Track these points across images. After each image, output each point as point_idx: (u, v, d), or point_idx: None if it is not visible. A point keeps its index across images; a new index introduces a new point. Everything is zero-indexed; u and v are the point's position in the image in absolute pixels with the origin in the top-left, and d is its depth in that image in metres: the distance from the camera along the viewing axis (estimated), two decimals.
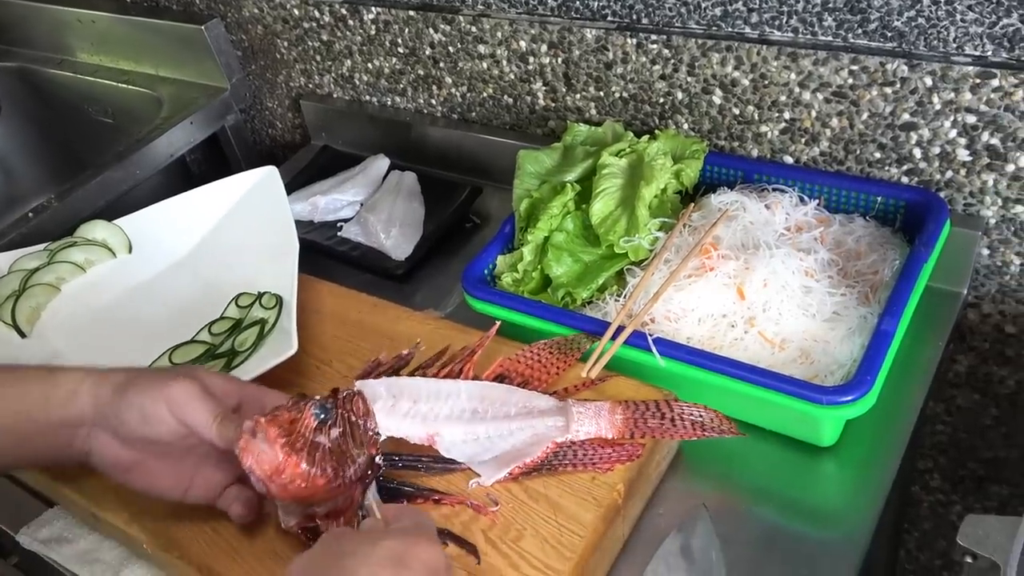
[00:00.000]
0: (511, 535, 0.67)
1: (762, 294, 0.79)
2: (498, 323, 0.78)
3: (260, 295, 0.90)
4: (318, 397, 0.67)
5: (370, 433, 0.67)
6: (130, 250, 1.02)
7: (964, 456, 1.08)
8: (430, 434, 0.70)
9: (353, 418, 0.66)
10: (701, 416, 0.71)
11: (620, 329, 0.78)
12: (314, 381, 0.84)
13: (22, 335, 0.92)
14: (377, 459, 0.67)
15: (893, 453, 0.77)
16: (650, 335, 0.76)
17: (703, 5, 0.89)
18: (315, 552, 0.55)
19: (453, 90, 1.16)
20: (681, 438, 0.72)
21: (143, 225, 1.03)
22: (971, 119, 0.81)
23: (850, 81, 0.85)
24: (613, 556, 0.71)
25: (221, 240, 1.01)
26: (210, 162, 1.40)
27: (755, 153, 0.96)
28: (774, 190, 0.89)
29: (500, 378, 0.74)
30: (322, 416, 0.65)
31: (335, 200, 1.14)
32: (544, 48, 1.03)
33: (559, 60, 1.03)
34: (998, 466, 1.06)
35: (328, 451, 0.64)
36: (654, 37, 0.94)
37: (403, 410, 0.70)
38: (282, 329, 0.86)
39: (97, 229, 1.01)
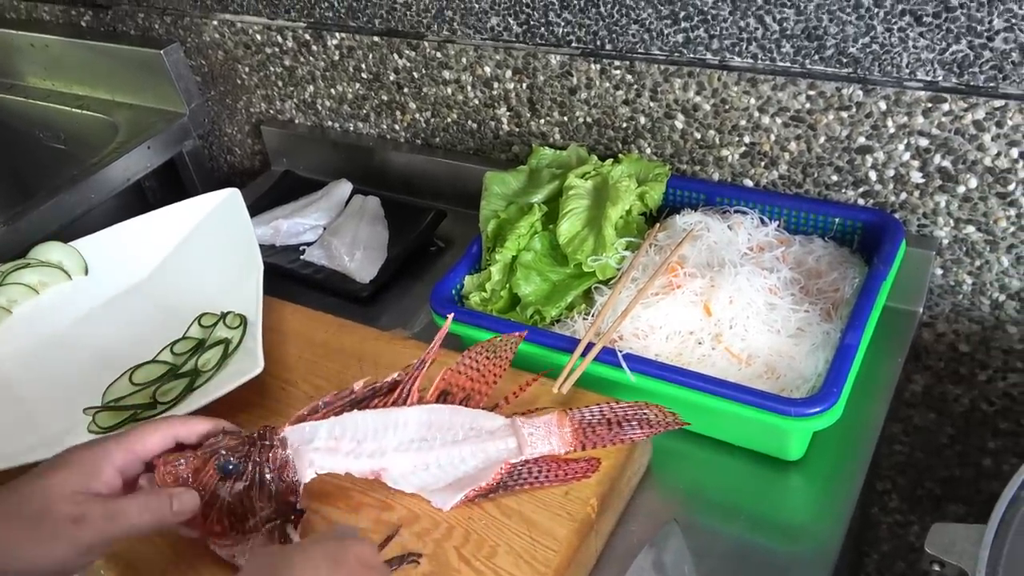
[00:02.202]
0: (484, 551, 0.67)
1: (728, 311, 0.81)
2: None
3: (224, 315, 0.88)
4: (233, 443, 0.65)
5: (286, 484, 0.66)
6: (86, 272, 1.00)
7: (922, 476, 1.11)
8: (375, 470, 0.69)
9: (267, 471, 0.65)
10: (646, 414, 0.72)
11: (590, 347, 0.79)
12: (279, 402, 0.83)
13: None
14: (299, 505, 0.65)
15: (858, 467, 0.79)
16: (619, 351, 0.77)
17: (665, 32, 0.92)
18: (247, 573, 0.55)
19: (417, 115, 1.17)
20: (632, 441, 0.72)
21: (100, 247, 1.01)
22: (924, 142, 0.84)
23: (807, 106, 0.88)
24: (587, 571, 0.71)
25: (182, 262, 1.00)
26: (167, 188, 1.38)
27: (716, 177, 0.98)
28: (736, 211, 0.92)
29: (443, 395, 0.73)
30: (226, 470, 0.64)
31: (297, 224, 1.14)
32: (509, 74, 1.04)
33: (523, 85, 1.04)
34: (954, 485, 1.09)
35: (227, 504, 0.63)
36: (617, 63, 0.96)
37: (346, 449, 0.69)
38: (246, 349, 0.84)
39: (52, 251, 0.99)
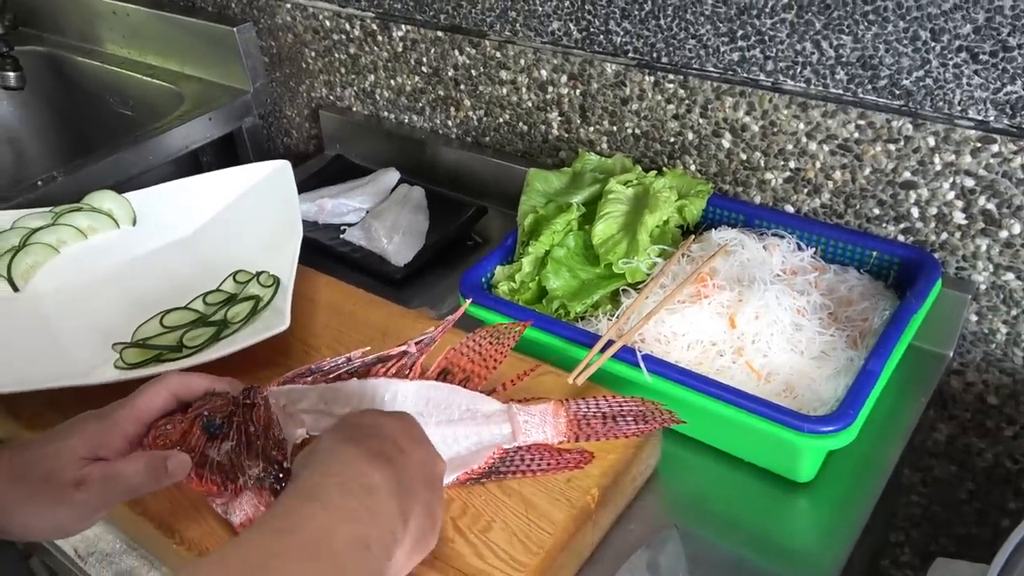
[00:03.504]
0: (480, 525, 0.67)
1: (753, 326, 0.80)
2: (470, 300, 0.78)
3: (258, 273, 0.91)
4: (219, 403, 0.66)
5: (272, 441, 0.66)
6: (134, 223, 1.03)
7: (937, 531, 1.08)
8: None
9: (252, 428, 0.66)
10: (642, 410, 0.72)
11: (610, 344, 0.79)
12: (301, 364, 0.83)
13: (15, 289, 0.93)
14: (286, 464, 0.66)
15: (867, 499, 0.77)
16: (639, 352, 0.77)
17: (722, 49, 0.92)
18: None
19: (471, 113, 1.19)
20: (626, 436, 0.71)
21: (150, 201, 1.04)
22: (969, 182, 0.84)
23: (856, 135, 0.88)
24: (580, 562, 0.70)
25: (226, 223, 1.02)
26: (222, 161, 1.42)
27: (758, 199, 0.98)
28: (773, 235, 0.91)
29: (444, 373, 0.74)
30: (211, 431, 0.65)
31: (342, 204, 1.16)
32: (564, 79, 1.06)
33: (577, 92, 1.06)
34: (970, 543, 1.06)
35: (216, 464, 0.64)
36: (671, 76, 0.97)
37: (339, 413, 0.69)
38: (276, 308, 0.86)
39: (104, 199, 1.02)
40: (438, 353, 0.74)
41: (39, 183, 1.15)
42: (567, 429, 0.71)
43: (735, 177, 0.99)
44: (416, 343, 0.72)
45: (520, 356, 0.81)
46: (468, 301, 0.78)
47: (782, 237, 0.91)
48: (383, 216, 1.12)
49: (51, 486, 0.58)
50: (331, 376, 0.69)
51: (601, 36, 1.01)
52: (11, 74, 1.40)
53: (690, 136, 0.99)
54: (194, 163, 1.39)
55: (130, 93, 1.50)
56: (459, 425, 0.70)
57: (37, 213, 1.00)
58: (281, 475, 0.64)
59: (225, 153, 1.42)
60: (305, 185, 1.21)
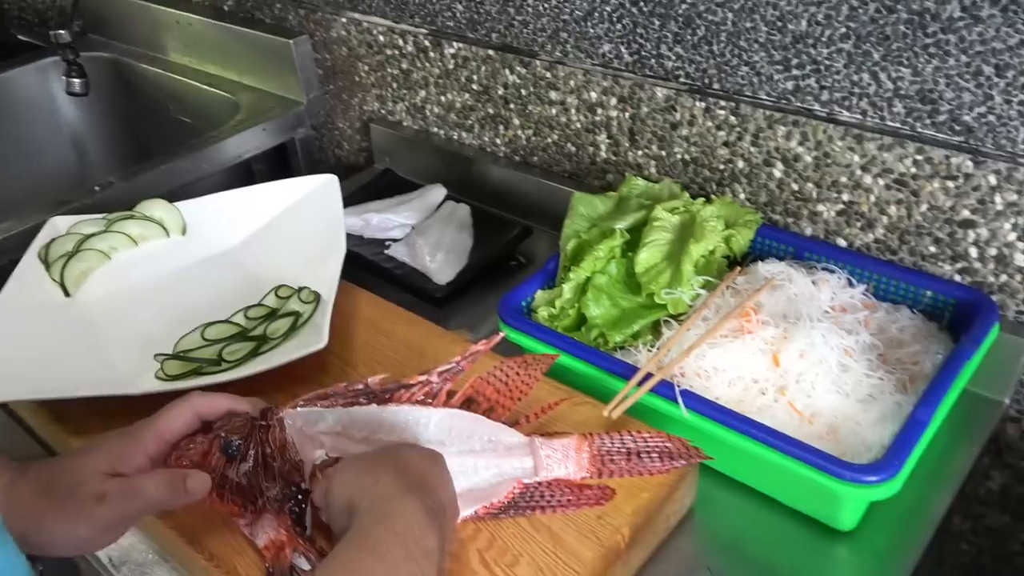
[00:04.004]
0: (507, 559, 0.66)
1: (797, 364, 0.78)
2: (502, 334, 0.77)
3: (299, 289, 0.91)
4: (237, 424, 0.66)
5: (288, 463, 0.65)
6: (184, 232, 1.04)
7: None
8: None
9: (268, 449, 0.65)
10: (668, 446, 0.70)
11: (648, 377, 0.77)
12: (337, 381, 0.83)
13: (67, 294, 0.95)
14: (304, 485, 0.65)
15: (912, 553, 0.74)
16: (678, 386, 0.75)
17: (775, 77, 0.90)
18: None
19: (519, 132, 1.18)
20: (651, 473, 0.70)
21: (201, 211, 1.05)
22: None
23: (913, 170, 0.85)
24: None
25: (272, 236, 1.03)
26: (274, 171, 1.44)
27: (809, 232, 0.96)
28: (823, 269, 0.89)
29: (468, 402, 0.72)
30: (229, 452, 0.65)
31: (387, 219, 1.16)
32: (614, 101, 1.05)
33: (626, 115, 1.04)
34: None
35: (236, 485, 0.64)
36: (723, 103, 0.95)
37: (359, 437, 0.68)
38: (315, 324, 0.86)
39: (156, 207, 1.04)
40: (465, 379, 0.73)
41: (96, 188, 1.18)
42: (590, 465, 0.70)
43: (786, 208, 0.96)
44: (440, 373, 0.71)
45: (555, 384, 0.80)
46: (500, 335, 0.76)
47: (832, 272, 0.88)
48: (428, 233, 1.12)
49: (73, 500, 0.58)
50: (349, 399, 0.68)
51: (652, 60, 0.99)
52: (76, 80, 1.44)
53: (740, 164, 0.97)
54: (246, 172, 1.40)
55: (189, 101, 1.52)
56: (480, 456, 0.69)
57: (91, 220, 1.02)
58: (300, 496, 0.63)
59: (277, 163, 1.44)
60: (353, 198, 1.22)
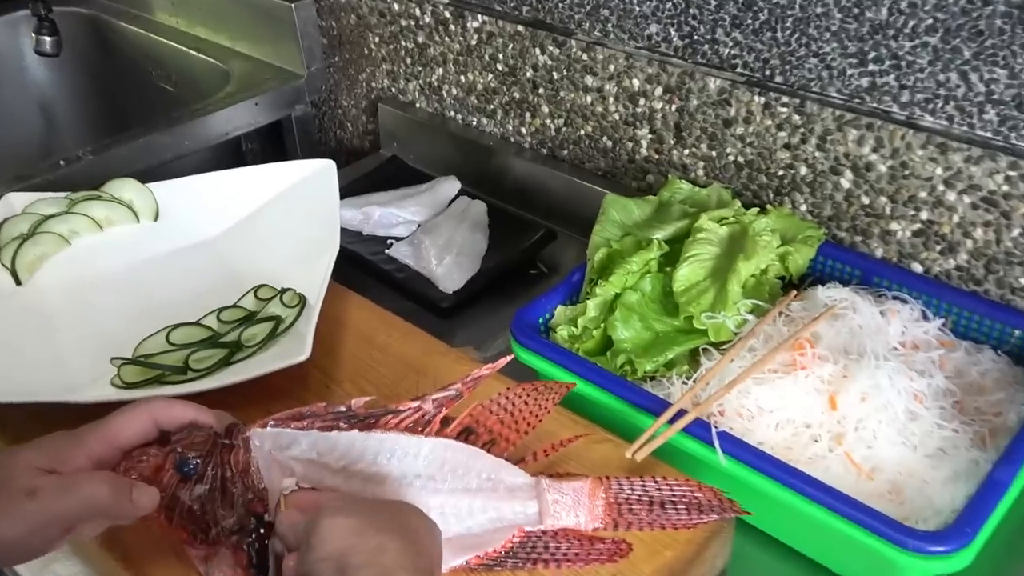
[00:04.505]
0: None
1: (858, 409, 0.76)
2: (511, 357, 0.75)
3: (283, 291, 0.90)
4: (198, 440, 0.65)
5: (251, 490, 0.65)
6: (156, 218, 1.04)
7: None
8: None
9: (229, 472, 0.64)
10: (698, 497, 0.68)
11: (681, 414, 0.76)
12: (319, 399, 0.82)
13: (17, 282, 0.95)
14: (267, 518, 0.64)
15: None
16: (715, 427, 0.74)
17: (848, 72, 0.89)
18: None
19: (548, 121, 1.17)
20: (675, 528, 0.68)
21: (176, 194, 1.05)
22: None
23: (1005, 188, 0.83)
24: None
25: (256, 228, 1.03)
26: (267, 152, 1.44)
27: (879, 253, 0.94)
28: (894, 298, 0.87)
29: (466, 432, 0.71)
30: (184, 470, 0.64)
31: (391, 214, 1.16)
32: (659, 91, 1.04)
33: (673, 107, 1.03)
34: None
35: (187, 509, 0.63)
36: (785, 99, 0.94)
37: (336, 466, 0.67)
38: (297, 332, 0.86)
39: (126, 188, 1.04)
40: (464, 406, 0.71)
41: (61, 163, 1.18)
42: (604, 514, 0.68)
43: (853, 224, 0.95)
44: (435, 399, 0.70)
45: (571, 416, 0.79)
46: (509, 357, 0.75)
47: (904, 302, 0.87)
48: (436, 232, 1.11)
49: (2, 496, 0.58)
50: (328, 424, 0.67)
51: (706, 46, 0.98)
52: (47, 38, 1.45)
53: (803, 171, 0.96)
54: (235, 153, 1.41)
55: (173, 67, 1.53)
56: (477, 496, 0.68)
57: (51, 198, 1.02)
58: (262, 530, 0.63)
59: (270, 143, 1.44)
60: (353, 187, 1.22)
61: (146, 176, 1.09)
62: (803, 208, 0.98)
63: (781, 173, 0.98)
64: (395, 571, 0.53)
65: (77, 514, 0.60)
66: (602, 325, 0.87)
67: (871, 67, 0.87)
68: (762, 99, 0.95)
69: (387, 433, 0.67)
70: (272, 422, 0.67)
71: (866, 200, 0.93)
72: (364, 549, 0.54)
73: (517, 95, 1.19)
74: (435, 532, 0.60)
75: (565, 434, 0.75)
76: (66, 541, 0.63)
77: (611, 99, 1.09)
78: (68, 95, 1.72)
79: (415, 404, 0.69)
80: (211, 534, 0.63)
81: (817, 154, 0.94)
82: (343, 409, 0.68)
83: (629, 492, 0.69)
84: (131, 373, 0.82)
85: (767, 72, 0.95)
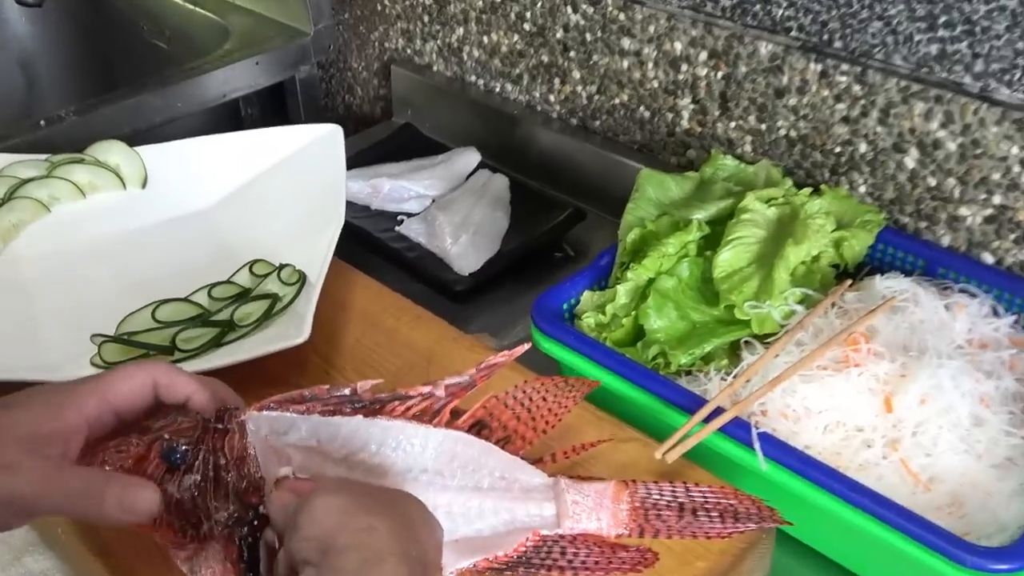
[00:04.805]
0: None
1: (916, 412, 0.76)
2: (528, 345, 0.75)
3: (280, 267, 0.91)
4: (186, 425, 0.64)
5: (246, 480, 0.64)
6: (144, 185, 1.05)
7: None
8: None
9: (222, 460, 0.64)
10: (733, 503, 0.68)
11: (718, 413, 0.76)
12: (319, 384, 0.84)
13: None
14: (262, 509, 0.64)
15: None
16: (755, 428, 0.74)
17: (916, 38, 0.88)
18: None
19: (579, 88, 1.17)
20: (708, 537, 0.68)
21: (167, 159, 1.06)
22: None
23: None
24: None
25: (253, 198, 1.04)
26: (268, 117, 1.45)
27: (946, 241, 0.94)
28: (961, 291, 0.87)
29: (479, 426, 0.71)
30: (173, 459, 0.64)
31: (403, 188, 1.17)
32: (703, 56, 1.04)
33: (718, 75, 1.03)
34: None
35: (175, 503, 0.63)
36: (845, 67, 0.93)
37: (337, 456, 0.68)
38: (295, 313, 0.86)
39: (112, 151, 1.05)
40: (476, 398, 0.72)
41: (42, 123, 1.20)
42: (629, 519, 0.68)
43: (918, 208, 0.94)
44: (448, 386, 0.70)
45: (596, 413, 0.79)
46: (527, 346, 0.75)
47: (973, 296, 0.87)
48: (452, 208, 1.12)
49: None
50: (330, 407, 0.68)
51: (757, 6, 0.98)
52: None
53: (862, 148, 0.96)
54: (232, 117, 1.42)
55: (167, 21, 1.54)
56: (488, 496, 0.68)
57: (30, 161, 1.03)
58: (256, 522, 0.63)
59: (272, 108, 1.45)
60: (362, 157, 1.23)
61: (135, 140, 1.10)
62: (862, 189, 0.98)
63: (838, 150, 0.98)
64: (383, 555, 0.53)
65: (47, 509, 0.60)
66: (633, 313, 0.88)
67: (941, 33, 0.87)
68: (818, 67, 0.95)
69: (393, 421, 0.68)
70: (271, 405, 0.67)
71: (932, 182, 0.92)
72: (352, 529, 0.54)
73: (545, 58, 1.19)
74: (432, 524, 0.60)
75: (588, 431, 0.75)
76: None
77: (650, 64, 1.09)
78: (51, 50, 1.73)
79: (426, 390, 0.69)
80: (202, 530, 0.63)
81: (879, 129, 0.94)
82: (347, 392, 0.69)
83: (658, 496, 0.70)
84: (113, 352, 0.83)
85: (825, 36, 0.95)
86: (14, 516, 0.61)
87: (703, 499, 0.69)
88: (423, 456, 0.68)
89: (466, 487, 0.68)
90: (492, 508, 0.68)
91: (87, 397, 0.62)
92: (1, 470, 0.58)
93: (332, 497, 0.57)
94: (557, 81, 1.19)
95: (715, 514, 0.68)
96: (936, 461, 0.75)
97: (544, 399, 0.73)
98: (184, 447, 0.64)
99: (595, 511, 0.69)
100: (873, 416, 0.77)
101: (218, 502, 0.63)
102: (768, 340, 0.84)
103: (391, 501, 0.59)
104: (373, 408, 0.68)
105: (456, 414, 0.71)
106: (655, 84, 1.10)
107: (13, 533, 0.80)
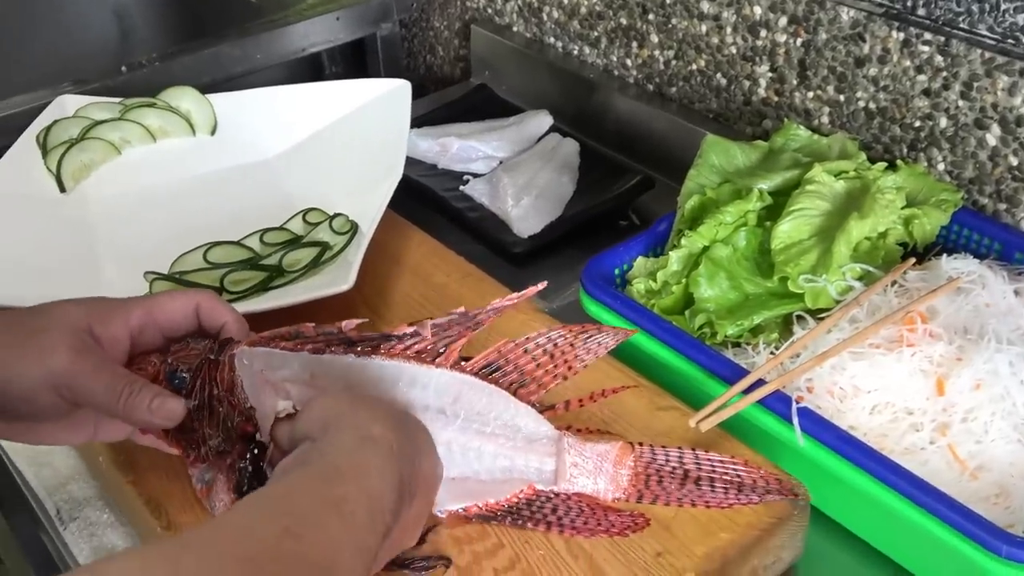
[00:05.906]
0: None
1: (969, 397, 0.75)
2: (541, 286, 0.74)
3: (333, 216, 0.94)
4: (194, 352, 0.68)
5: (237, 410, 0.67)
6: (213, 132, 1.09)
7: None
8: None
9: (215, 390, 0.67)
10: (740, 474, 0.68)
11: (758, 384, 0.76)
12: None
13: (62, 189, 1.01)
14: (258, 436, 0.67)
15: None
16: (796, 403, 0.74)
17: (1003, 6, 0.86)
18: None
19: (657, 52, 1.17)
20: (706, 506, 0.68)
21: (236, 108, 1.10)
22: None
23: None
24: None
25: (317, 148, 1.07)
26: (348, 74, 1.48)
27: None
28: None
29: (490, 368, 0.71)
30: (175, 382, 0.67)
31: (471, 148, 1.18)
32: (783, 21, 1.02)
33: (798, 42, 1.02)
34: None
35: (180, 424, 0.67)
36: (928, 36, 0.91)
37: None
38: (345, 262, 0.89)
39: (184, 97, 1.09)
40: (490, 342, 0.72)
41: (123, 68, 1.25)
42: (629, 484, 0.69)
43: (998, 188, 0.92)
44: (434, 326, 0.69)
45: (628, 373, 0.80)
46: (539, 286, 0.73)
47: None
48: (518, 170, 1.13)
49: (42, 336, 0.63)
50: (319, 344, 0.69)
51: None
52: None
53: (943, 122, 0.94)
54: (312, 71, 1.45)
55: None
56: (490, 440, 0.70)
57: (104, 103, 1.08)
58: (256, 451, 0.66)
59: (353, 64, 1.48)
60: (434, 116, 1.25)
61: (212, 90, 1.14)
62: (940, 167, 0.96)
63: (918, 124, 0.96)
64: (375, 442, 0.56)
65: (84, 396, 0.64)
66: (684, 281, 0.88)
67: None
68: (901, 35, 0.93)
69: (391, 360, 0.69)
70: (260, 340, 0.69)
71: (1015, 161, 0.90)
72: (351, 417, 0.58)
73: (624, 21, 1.19)
74: (435, 457, 0.63)
75: (625, 397, 0.76)
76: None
77: (728, 29, 1.08)
78: (146, 3, 1.79)
79: (411, 330, 0.69)
80: (201, 451, 0.67)
81: (961, 103, 0.92)
82: (333, 331, 0.70)
83: (663, 462, 0.70)
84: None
85: (908, 3, 0.93)
86: (60, 400, 0.65)
87: (710, 469, 0.70)
88: (425, 394, 0.69)
89: (469, 428, 0.70)
90: (492, 452, 0.69)
91: (134, 310, 0.68)
92: (44, 350, 0.63)
93: (332, 399, 0.62)
94: (635, 45, 1.19)
95: (718, 484, 0.69)
96: (985, 449, 0.74)
97: (571, 345, 0.72)
98: (184, 373, 0.67)
99: (594, 475, 0.69)
100: (924, 399, 0.76)
101: (211, 429, 0.67)
102: (821, 315, 0.83)
103: (394, 412, 0.62)
104: (364, 349, 0.69)
105: (464, 356, 0.72)
106: (733, 50, 1.09)
107: (61, 459, 0.85)
